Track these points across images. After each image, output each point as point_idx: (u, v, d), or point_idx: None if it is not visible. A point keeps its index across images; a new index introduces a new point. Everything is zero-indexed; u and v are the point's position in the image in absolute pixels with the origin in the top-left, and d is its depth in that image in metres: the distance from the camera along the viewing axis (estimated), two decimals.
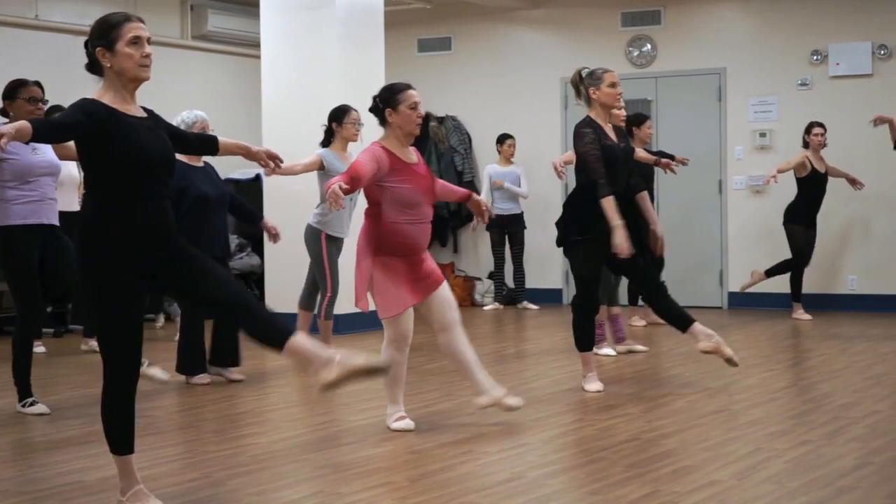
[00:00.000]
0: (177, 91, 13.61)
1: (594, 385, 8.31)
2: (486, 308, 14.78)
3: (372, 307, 6.95)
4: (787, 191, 13.20)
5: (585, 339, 8.31)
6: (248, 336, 5.02)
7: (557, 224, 8.34)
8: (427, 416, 7.60)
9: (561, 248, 8.39)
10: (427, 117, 15.57)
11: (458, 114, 15.69)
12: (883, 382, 8.72)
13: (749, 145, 14.26)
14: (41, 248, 7.67)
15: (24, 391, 7.72)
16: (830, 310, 13.26)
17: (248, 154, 5.71)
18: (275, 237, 9.12)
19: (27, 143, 4.89)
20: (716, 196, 14.45)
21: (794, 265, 12.91)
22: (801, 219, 12.81)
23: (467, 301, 15.31)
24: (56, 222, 7.79)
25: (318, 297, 9.90)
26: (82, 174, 7.61)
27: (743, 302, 14.04)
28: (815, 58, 14.00)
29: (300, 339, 4.93)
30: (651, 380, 8.92)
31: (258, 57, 12.59)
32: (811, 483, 5.71)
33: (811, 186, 12.77)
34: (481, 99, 15.47)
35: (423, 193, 6.93)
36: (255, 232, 10.43)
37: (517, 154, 14.65)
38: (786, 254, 13.24)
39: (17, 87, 7.68)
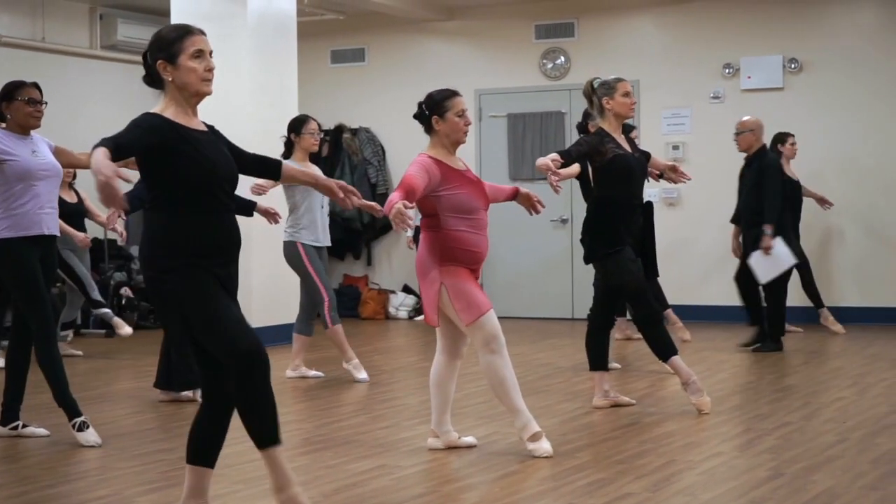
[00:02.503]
0: (85, 101, 13.43)
1: (703, 399, 7.95)
2: (406, 320, 14.71)
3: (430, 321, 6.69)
4: (700, 203, 13.27)
5: (666, 346, 7.96)
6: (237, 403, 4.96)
7: (582, 241, 8.10)
8: (340, 430, 7.54)
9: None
10: (340, 129, 15.53)
11: (371, 126, 15.62)
12: (794, 394, 8.78)
13: (662, 157, 14.25)
14: (40, 259, 7.24)
15: (72, 410, 7.16)
16: (743, 322, 13.34)
17: (317, 185, 5.52)
18: (273, 216, 8.75)
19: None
20: None
21: (804, 273, 12.55)
22: (781, 230, 12.60)
23: (381, 314, 15.25)
24: (56, 232, 7.32)
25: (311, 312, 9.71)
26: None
27: (690, 315, 14.08)
28: (727, 71, 14.11)
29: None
30: (564, 393, 8.90)
31: None
32: (724, 495, 5.72)
33: (787, 197, 12.68)
34: (395, 111, 15.40)
35: (479, 198, 6.68)
36: None
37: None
38: (699, 264, 13.29)
39: (15, 89, 7.27)
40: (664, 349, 7.97)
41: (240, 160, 5.15)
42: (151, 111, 4.90)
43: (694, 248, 14.02)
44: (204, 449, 5.11)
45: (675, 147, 14.25)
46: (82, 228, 11.14)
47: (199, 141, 4.89)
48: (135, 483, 6.15)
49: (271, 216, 8.78)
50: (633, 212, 8.03)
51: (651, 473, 6.20)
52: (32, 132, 7.31)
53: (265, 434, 4.94)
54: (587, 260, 8.11)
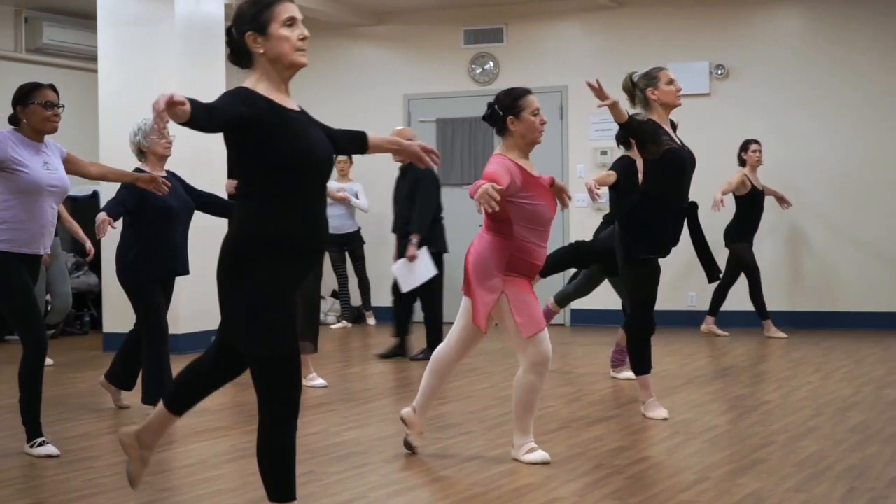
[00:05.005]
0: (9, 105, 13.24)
1: (658, 412, 7.86)
2: (332, 327, 14.68)
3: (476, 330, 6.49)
4: None
5: (642, 362, 7.81)
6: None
7: (619, 242, 7.74)
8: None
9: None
10: None
11: None
12: (721, 398, 8.85)
13: (590, 163, 14.41)
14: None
15: (33, 430, 6.95)
16: (671, 325, 13.40)
17: (401, 150, 5.19)
18: None
19: (187, 124, 4.16)
20: (558, 214, 14.50)
21: (752, 281, 12.71)
22: (744, 236, 12.73)
23: None
24: (47, 251, 6.99)
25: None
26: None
27: (583, 318, 14.17)
28: None
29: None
30: (494, 398, 8.91)
31: (95, 71, 12.33)
32: (651, 498, 5.75)
33: (751, 205, 12.77)
34: (323, 114, 14.98)
35: (552, 209, 6.48)
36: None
37: (356, 169, 14.58)
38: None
39: (31, 91, 6.89)
40: (642, 365, 7.84)
41: (332, 140, 4.80)
42: (242, 85, 4.51)
43: None
44: (185, 396, 4.97)
45: (604, 153, 14.31)
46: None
47: (296, 120, 4.53)
48: (60, 491, 6.07)
49: None
50: (680, 214, 7.70)
51: (579, 478, 6.22)
52: (46, 138, 6.98)
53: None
54: (625, 260, 7.72)
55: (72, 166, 7.08)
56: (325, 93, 15.32)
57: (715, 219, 12.20)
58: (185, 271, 8.30)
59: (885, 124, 13.46)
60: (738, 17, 14.00)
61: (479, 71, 14.99)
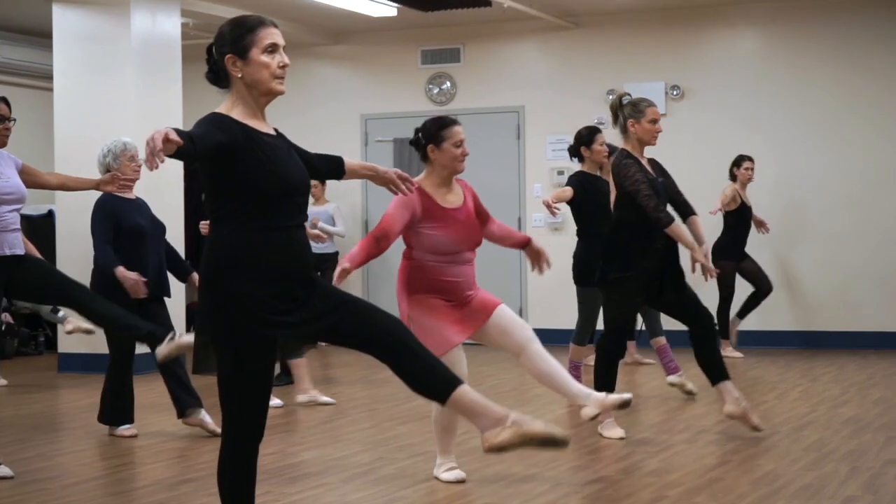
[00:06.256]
0: None
1: (614, 431, 7.89)
2: None
3: None
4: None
5: (606, 383, 7.70)
6: (407, 383, 4.41)
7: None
8: None
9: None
10: None
11: None
12: (677, 417, 8.88)
13: (547, 182, 14.44)
14: (6, 281, 6.87)
15: None
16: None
17: (376, 176, 5.04)
18: None
19: (172, 156, 4.02)
20: None
21: (723, 300, 12.61)
22: (731, 254, 12.59)
23: None
24: (21, 252, 6.93)
25: None
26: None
27: (546, 338, 14.14)
28: (610, 97, 14.26)
29: (466, 392, 4.34)
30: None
31: (51, 89, 12.27)
32: None
33: (740, 220, 12.69)
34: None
35: (461, 241, 6.39)
36: None
37: (328, 191, 14.42)
38: None
39: None
40: (606, 382, 7.78)
41: (308, 165, 4.65)
42: (216, 111, 4.41)
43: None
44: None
45: (560, 172, 14.34)
46: None
47: (269, 146, 4.39)
48: None
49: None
50: (652, 236, 7.67)
51: (537, 497, 6.22)
52: None
53: (434, 386, 4.39)
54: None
55: (29, 178, 7.03)
56: (283, 112, 15.22)
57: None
58: (161, 293, 8.21)
59: (841, 143, 13.56)
60: (694, 39, 14.10)
61: (436, 91, 15.02)
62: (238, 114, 4.40)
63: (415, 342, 4.42)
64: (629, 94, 7.91)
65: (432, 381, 4.36)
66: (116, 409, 8.17)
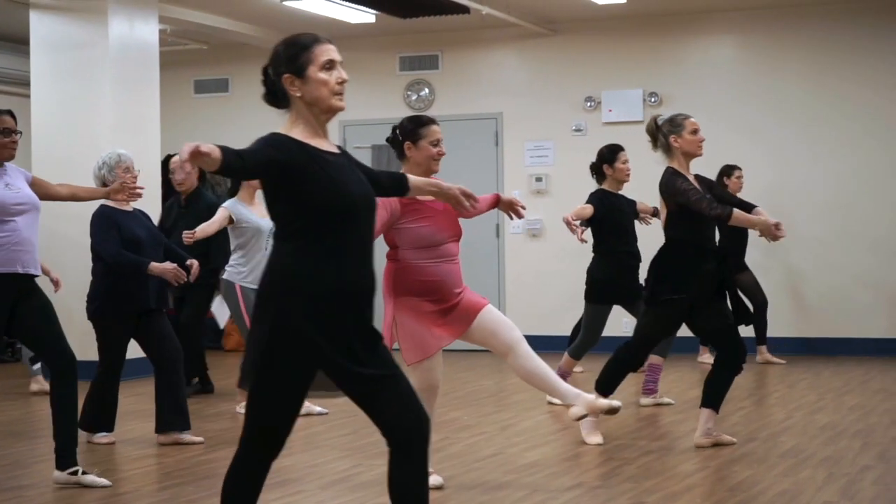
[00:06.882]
0: None
1: (594, 437, 7.92)
2: None
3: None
4: (562, 235, 13.36)
5: (609, 386, 7.82)
6: (389, 480, 4.48)
7: (646, 281, 7.74)
8: (199, 464, 7.45)
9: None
10: None
11: None
12: (655, 423, 8.90)
13: (525, 189, 14.46)
14: (14, 301, 6.74)
15: None
16: (605, 351, 13.46)
17: (440, 193, 4.96)
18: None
19: (213, 172, 4.01)
20: (493, 240, 14.60)
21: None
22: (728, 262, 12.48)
23: (244, 346, 15.08)
24: (36, 271, 6.82)
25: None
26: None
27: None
28: (588, 104, 14.31)
29: None
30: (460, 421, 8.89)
31: (28, 96, 12.23)
32: None
33: (734, 229, 12.53)
34: None
35: (446, 229, 6.36)
36: None
37: None
38: (561, 295, 13.38)
39: None
40: (608, 385, 7.83)
41: (374, 183, 4.54)
42: (277, 131, 4.36)
43: (555, 279, 14.15)
44: None
45: (539, 179, 14.39)
46: None
47: (332, 164, 4.30)
48: None
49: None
50: (705, 256, 7.62)
51: None
52: (7, 163, 6.88)
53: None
54: (647, 302, 7.74)
55: (40, 189, 6.96)
56: (261, 119, 15.18)
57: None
58: (161, 305, 8.19)
59: (816, 150, 13.62)
60: (672, 46, 14.14)
61: (414, 97, 15.03)
62: (298, 133, 4.32)
63: (421, 451, 4.38)
64: (662, 115, 7.93)
65: (407, 498, 4.41)
66: (97, 416, 8.15)
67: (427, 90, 14.97)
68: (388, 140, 6.58)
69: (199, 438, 8.16)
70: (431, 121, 6.49)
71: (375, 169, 4.71)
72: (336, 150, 4.39)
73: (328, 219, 4.23)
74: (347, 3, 12.74)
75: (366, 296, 4.32)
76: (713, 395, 7.73)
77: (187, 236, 9.09)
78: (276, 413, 4.35)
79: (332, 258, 4.22)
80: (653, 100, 14.07)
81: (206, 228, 9.19)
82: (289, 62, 4.34)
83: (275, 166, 4.18)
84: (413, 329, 6.29)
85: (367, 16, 13.40)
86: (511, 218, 6.61)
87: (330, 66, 4.32)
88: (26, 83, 12.44)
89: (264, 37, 14.30)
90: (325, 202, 4.22)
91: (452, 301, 6.38)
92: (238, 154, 4.06)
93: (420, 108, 14.91)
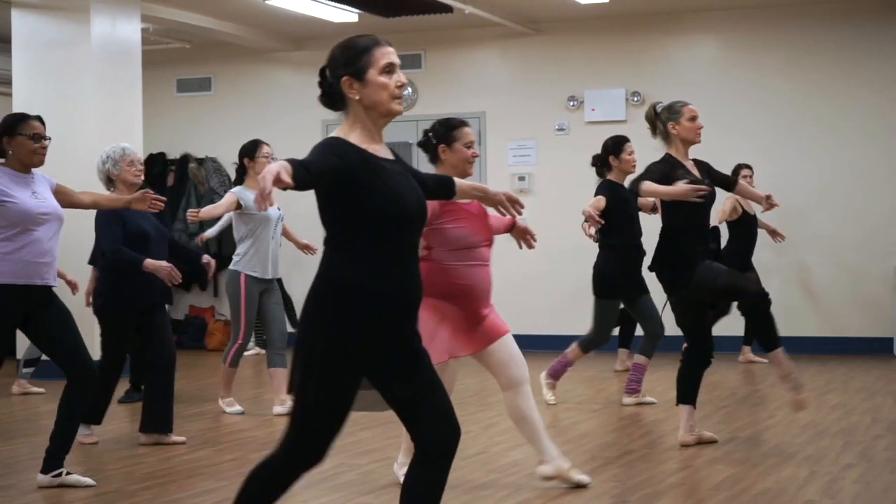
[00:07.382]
0: None
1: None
2: (247, 352, 14.58)
3: None
4: (545, 233, 13.40)
5: (688, 395, 7.78)
6: (405, 480, 4.38)
7: (656, 269, 7.69)
8: (182, 463, 7.44)
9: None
10: (186, 159, 15.37)
11: (218, 155, 15.46)
12: (639, 422, 8.91)
13: (508, 188, 14.44)
14: (31, 309, 6.69)
15: None
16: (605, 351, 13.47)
17: (485, 198, 4.97)
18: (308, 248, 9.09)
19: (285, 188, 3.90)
20: None
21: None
22: (734, 264, 12.31)
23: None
24: (53, 282, 6.75)
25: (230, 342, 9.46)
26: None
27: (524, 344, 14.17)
28: (571, 103, 14.33)
29: None
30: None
31: (9, 95, 12.20)
32: None
33: (744, 229, 12.46)
34: (242, 140, 15.13)
35: (478, 233, 6.40)
36: None
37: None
38: (543, 294, 13.39)
39: (17, 122, 6.78)
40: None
41: (423, 188, 4.47)
42: (334, 135, 4.28)
43: (537, 278, 14.16)
44: None
45: (521, 178, 14.40)
46: None
47: (388, 171, 4.23)
48: None
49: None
50: (703, 239, 7.68)
51: (497, 503, 6.22)
52: (34, 170, 6.81)
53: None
54: (669, 292, 7.73)
55: (63, 197, 6.90)
56: (243, 118, 15.26)
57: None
58: (165, 300, 8.21)
59: (799, 149, 13.66)
60: (655, 46, 14.16)
61: None
62: (356, 137, 4.26)
63: (448, 463, 4.41)
64: (661, 102, 7.96)
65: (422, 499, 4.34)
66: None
67: (410, 89, 14.95)
68: (419, 144, 6.56)
69: (182, 438, 8.16)
70: (463, 123, 6.50)
71: (425, 174, 4.68)
72: (391, 157, 4.33)
73: (383, 228, 4.17)
74: (330, 3, 12.73)
75: (416, 304, 4.30)
76: (687, 390, 7.77)
77: (191, 215, 9.04)
78: (324, 422, 4.23)
79: (385, 267, 4.17)
80: (635, 99, 14.09)
81: (211, 210, 9.17)
82: (347, 64, 4.28)
83: (336, 174, 4.12)
84: (437, 331, 6.28)
85: (350, 15, 13.39)
86: (521, 247, 6.66)
87: (390, 69, 4.28)
88: (8, 82, 12.41)
89: (247, 36, 14.29)
90: (381, 212, 4.15)
91: (478, 316, 6.40)
92: (304, 166, 3.99)
93: (403, 107, 14.88)
